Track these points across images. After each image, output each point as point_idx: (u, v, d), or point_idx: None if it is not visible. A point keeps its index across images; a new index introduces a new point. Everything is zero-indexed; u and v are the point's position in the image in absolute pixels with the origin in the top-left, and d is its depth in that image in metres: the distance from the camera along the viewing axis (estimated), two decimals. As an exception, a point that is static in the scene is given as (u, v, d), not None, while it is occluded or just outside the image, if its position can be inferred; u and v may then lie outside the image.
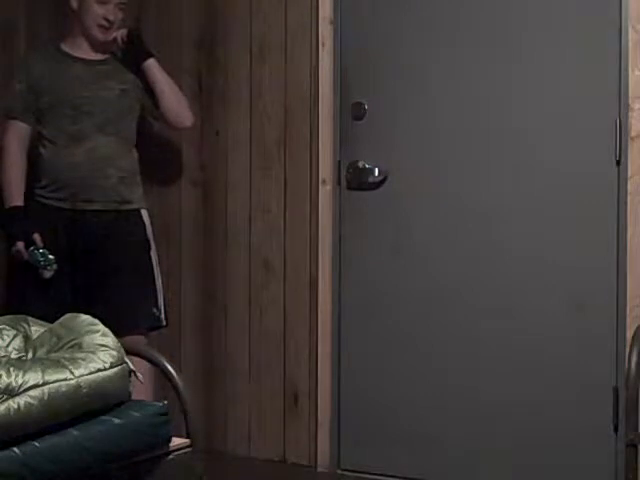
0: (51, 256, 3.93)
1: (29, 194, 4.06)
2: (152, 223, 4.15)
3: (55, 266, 3.94)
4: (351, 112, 4.12)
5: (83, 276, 4.01)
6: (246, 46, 4.31)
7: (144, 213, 4.12)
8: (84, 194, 4.00)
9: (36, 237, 3.95)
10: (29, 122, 4.03)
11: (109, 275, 4.01)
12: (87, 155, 3.98)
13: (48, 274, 3.94)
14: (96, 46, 4.07)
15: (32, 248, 3.94)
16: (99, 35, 4.04)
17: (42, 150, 4.04)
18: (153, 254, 4.11)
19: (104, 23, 4.01)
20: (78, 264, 4.00)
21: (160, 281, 4.12)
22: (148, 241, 4.10)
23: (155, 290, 4.09)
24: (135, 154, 4.13)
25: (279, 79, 4.24)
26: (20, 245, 3.96)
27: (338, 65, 4.14)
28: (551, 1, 3.82)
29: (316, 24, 4.14)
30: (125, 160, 4.06)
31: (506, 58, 3.88)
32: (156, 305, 4.09)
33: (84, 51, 4.07)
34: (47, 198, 4.03)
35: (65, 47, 4.09)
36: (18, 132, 4.03)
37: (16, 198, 4.01)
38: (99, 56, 4.09)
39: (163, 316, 4.11)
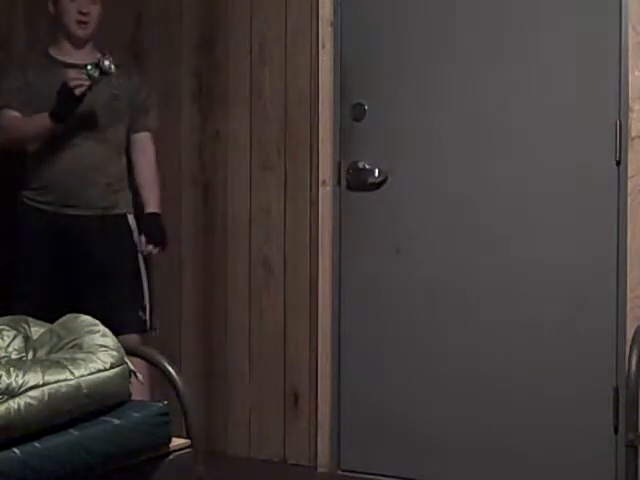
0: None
1: (17, 197, 4.03)
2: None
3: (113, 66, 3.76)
4: (351, 113, 4.12)
5: (69, 280, 3.98)
6: (246, 46, 4.31)
7: (130, 218, 4.07)
8: (70, 200, 3.95)
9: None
10: (21, 111, 3.93)
11: (94, 279, 3.97)
12: (74, 162, 3.94)
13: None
14: (79, 45, 3.99)
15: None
16: (78, 32, 3.96)
17: (32, 152, 4.00)
18: (140, 258, 4.06)
19: (80, 17, 3.93)
20: (64, 268, 3.97)
21: (147, 284, 4.07)
22: (134, 245, 4.05)
23: (142, 294, 4.05)
24: (124, 159, 4.07)
25: (279, 79, 4.24)
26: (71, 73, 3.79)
27: (338, 66, 4.14)
28: (551, 2, 3.82)
29: (316, 25, 4.14)
30: (113, 166, 4.02)
31: (506, 59, 3.88)
32: (142, 309, 4.06)
33: (72, 55, 3.99)
34: (34, 201, 3.99)
35: (53, 52, 4.02)
36: (9, 115, 3.95)
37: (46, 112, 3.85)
38: (87, 59, 3.92)
39: (149, 319, 4.07)
